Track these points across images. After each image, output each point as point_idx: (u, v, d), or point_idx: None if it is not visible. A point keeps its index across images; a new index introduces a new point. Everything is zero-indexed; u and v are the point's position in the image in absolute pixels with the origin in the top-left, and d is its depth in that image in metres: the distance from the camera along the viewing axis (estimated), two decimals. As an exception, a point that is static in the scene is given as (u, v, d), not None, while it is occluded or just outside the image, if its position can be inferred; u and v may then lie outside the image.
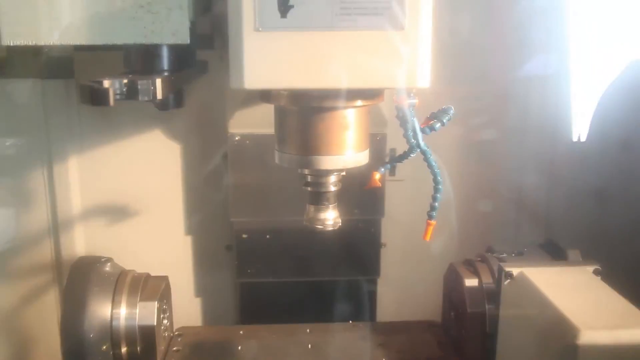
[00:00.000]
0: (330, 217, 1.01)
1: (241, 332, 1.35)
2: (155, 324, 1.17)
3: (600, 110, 1.45)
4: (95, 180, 1.44)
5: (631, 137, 1.43)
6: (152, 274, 1.27)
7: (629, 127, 1.42)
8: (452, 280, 1.29)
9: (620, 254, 1.45)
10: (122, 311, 1.17)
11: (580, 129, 1.47)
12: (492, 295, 1.17)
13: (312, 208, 1.01)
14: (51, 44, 0.97)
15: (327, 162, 0.94)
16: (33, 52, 1.27)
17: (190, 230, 1.50)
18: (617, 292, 1.01)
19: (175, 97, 1.27)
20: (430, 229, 1.02)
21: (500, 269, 1.11)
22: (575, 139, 1.49)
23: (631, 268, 1.47)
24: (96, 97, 0.87)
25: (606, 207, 1.49)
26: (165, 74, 1.05)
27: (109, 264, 1.23)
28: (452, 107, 0.97)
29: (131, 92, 0.90)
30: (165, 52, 1.07)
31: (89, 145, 1.42)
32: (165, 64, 1.07)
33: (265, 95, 0.95)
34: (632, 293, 1.00)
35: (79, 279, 1.18)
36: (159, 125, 1.43)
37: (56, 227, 1.40)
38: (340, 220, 1.02)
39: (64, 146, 1.40)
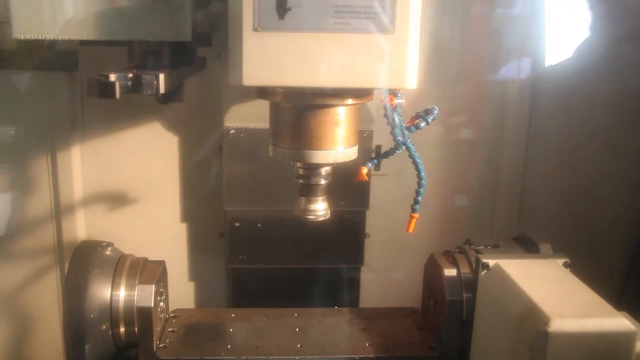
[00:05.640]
0: (320, 209, 1.01)
1: (232, 314, 1.35)
2: (152, 305, 1.17)
3: (583, 111, 1.46)
4: (97, 168, 1.43)
5: (615, 139, 1.44)
6: (150, 258, 1.27)
7: (613, 129, 1.43)
8: (432, 270, 1.30)
9: (593, 249, 1.47)
10: (122, 293, 1.17)
11: (559, 128, 1.48)
12: (469, 284, 1.18)
13: (303, 199, 1.01)
14: (59, 38, 0.97)
15: (318, 156, 0.94)
16: (40, 46, 1.26)
17: (186, 217, 1.50)
18: (586, 283, 1.03)
19: (175, 91, 1.27)
20: (413, 221, 1.03)
21: (478, 260, 1.12)
22: (555, 139, 1.50)
23: (602, 262, 1.49)
24: (103, 90, 0.87)
25: (582, 205, 1.51)
26: (167, 69, 1.05)
27: (109, 248, 1.23)
28: (437, 108, 0.98)
29: (136, 86, 0.90)
30: (167, 49, 1.07)
31: (91, 135, 1.42)
32: (167, 60, 1.07)
33: (261, 92, 0.95)
34: (600, 285, 1.01)
35: (81, 262, 1.18)
36: (158, 117, 1.43)
37: (59, 213, 1.39)
38: (329, 212, 1.03)
39: (67, 135, 1.39)
